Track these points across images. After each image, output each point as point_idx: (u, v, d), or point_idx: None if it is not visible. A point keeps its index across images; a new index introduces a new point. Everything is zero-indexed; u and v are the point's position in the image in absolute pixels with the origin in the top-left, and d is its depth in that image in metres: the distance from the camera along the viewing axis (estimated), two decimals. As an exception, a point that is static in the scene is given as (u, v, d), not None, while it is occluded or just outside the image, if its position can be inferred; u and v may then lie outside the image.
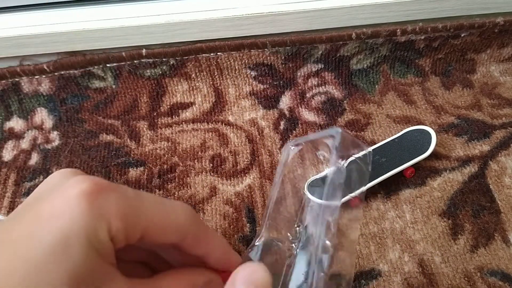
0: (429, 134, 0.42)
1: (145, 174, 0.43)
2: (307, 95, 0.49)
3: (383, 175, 0.39)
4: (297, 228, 0.33)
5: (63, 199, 0.20)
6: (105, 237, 0.20)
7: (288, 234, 0.33)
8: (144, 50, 0.46)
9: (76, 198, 0.20)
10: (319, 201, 0.38)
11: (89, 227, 0.20)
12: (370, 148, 0.39)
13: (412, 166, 0.40)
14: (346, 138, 0.30)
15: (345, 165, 0.30)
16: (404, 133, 0.43)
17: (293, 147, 0.35)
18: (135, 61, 0.46)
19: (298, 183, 0.37)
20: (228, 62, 0.48)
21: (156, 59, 0.46)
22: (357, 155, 0.32)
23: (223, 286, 0.23)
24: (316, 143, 0.35)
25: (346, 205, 0.32)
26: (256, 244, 0.32)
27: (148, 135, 0.46)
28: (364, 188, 0.33)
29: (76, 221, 0.19)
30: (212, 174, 0.42)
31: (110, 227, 0.20)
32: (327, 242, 0.27)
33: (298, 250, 0.32)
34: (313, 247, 0.27)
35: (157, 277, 0.23)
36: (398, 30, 0.46)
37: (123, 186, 0.22)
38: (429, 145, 0.41)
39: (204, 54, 0.47)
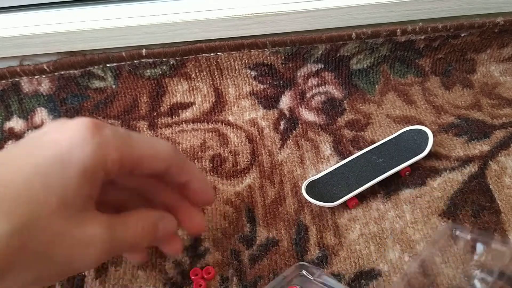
0: (426, 134, 0.42)
1: (145, 174, 0.43)
2: (307, 95, 0.49)
3: (380, 175, 0.39)
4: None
5: (66, 130, 0.22)
6: (100, 168, 0.22)
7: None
8: (144, 50, 0.46)
9: (78, 130, 0.22)
10: (317, 202, 0.38)
11: (88, 156, 0.21)
12: None
13: (410, 165, 0.40)
14: None
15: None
16: (401, 133, 0.43)
17: (458, 233, 0.35)
18: (135, 61, 0.46)
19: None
20: (228, 62, 0.48)
21: (156, 59, 0.46)
22: None
23: (175, 222, 0.29)
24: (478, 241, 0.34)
25: None
26: None
27: (148, 135, 0.46)
28: None
29: (76, 149, 0.21)
30: (212, 174, 0.42)
31: (107, 158, 0.22)
32: None
33: None
34: None
35: (124, 214, 0.26)
36: (398, 30, 0.46)
37: (113, 125, 0.25)
38: (426, 145, 0.41)
39: (204, 54, 0.47)
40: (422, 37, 0.48)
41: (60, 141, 0.21)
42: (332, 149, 0.44)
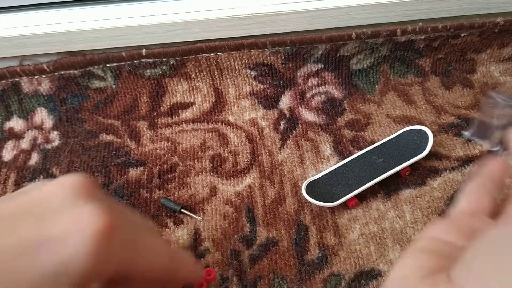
0: (426, 134, 0.42)
1: (145, 174, 0.43)
2: (307, 95, 0.49)
3: (380, 175, 0.39)
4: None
5: (75, 233, 0.20)
6: (96, 282, 0.21)
7: None
8: (144, 50, 0.46)
9: (89, 238, 0.20)
10: (317, 202, 0.38)
11: (87, 271, 0.20)
12: None
13: (410, 165, 0.40)
14: None
15: None
16: (401, 133, 0.43)
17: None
18: (135, 61, 0.46)
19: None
20: (228, 62, 0.48)
21: (156, 59, 0.46)
22: None
23: None
24: None
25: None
26: None
27: (148, 135, 0.46)
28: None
29: (77, 260, 0.20)
30: (212, 174, 0.42)
31: (105, 274, 0.21)
32: None
33: None
34: None
35: None
36: (398, 30, 0.46)
37: (127, 220, 0.23)
38: (426, 145, 0.41)
39: (204, 54, 0.47)
40: (422, 37, 0.47)
41: (66, 245, 0.20)
42: (332, 149, 0.44)
